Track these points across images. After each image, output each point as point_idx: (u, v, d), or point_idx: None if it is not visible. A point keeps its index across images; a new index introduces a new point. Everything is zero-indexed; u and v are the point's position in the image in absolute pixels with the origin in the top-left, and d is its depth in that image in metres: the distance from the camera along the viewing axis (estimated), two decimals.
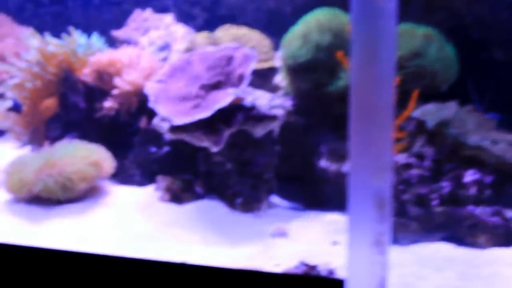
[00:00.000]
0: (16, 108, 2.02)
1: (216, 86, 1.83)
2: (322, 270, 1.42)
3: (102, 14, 2.85)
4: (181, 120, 1.65)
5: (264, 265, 1.47)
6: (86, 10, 2.88)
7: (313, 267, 1.42)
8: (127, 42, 2.14)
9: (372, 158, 0.66)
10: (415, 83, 1.69)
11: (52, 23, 2.78)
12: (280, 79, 2.06)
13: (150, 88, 1.80)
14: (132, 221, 1.76)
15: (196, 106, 1.76)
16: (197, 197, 1.91)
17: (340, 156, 1.88)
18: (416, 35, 1.77)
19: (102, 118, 2.04)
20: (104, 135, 2.05)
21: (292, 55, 1.84)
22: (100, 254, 1.50)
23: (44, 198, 1.86)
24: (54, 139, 2.05)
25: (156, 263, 1.47)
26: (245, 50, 1.85)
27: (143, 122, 1.99)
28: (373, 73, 0.63)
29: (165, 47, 2.08)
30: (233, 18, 2.70)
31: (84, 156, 1.85)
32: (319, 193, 2.00)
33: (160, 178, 1.97)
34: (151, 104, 1.76)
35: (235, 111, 1.71)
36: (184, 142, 1.90)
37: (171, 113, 1.71)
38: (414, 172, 1.59)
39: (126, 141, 2.05)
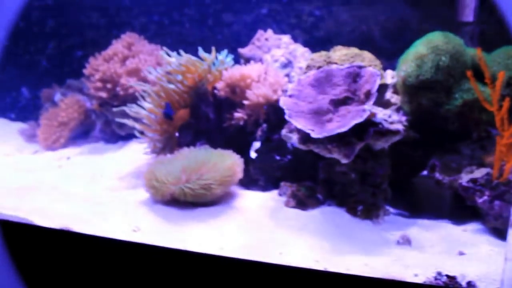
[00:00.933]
0: (167, 114, 2.21)
1: (343, 101, 1.98)
2: (461, 282, 1.53)
3: (214, 34, 3.08)
4: (320, 134, 1.80)
5: (403, 275, 1.58)
6: (200, 31, 3.12)
7: (453, 278, 1.53)
8: (252, 59, 2.32)
9: None
10: None
11: (171, 42, 3.03)
12: (391, 95, 2.20)
13: (284, 102, 1.96)
14: (264, 225, 1.91)
15: (329, 121, 1.91)
16: (319, 203, 2.06)
17: (452, 169, 2.00)
18: None
19: (229, 127, 2.23)
20: (230, 143, 2.23)
21: (413, 74, 1.97)
22: (238, 259, 1.67)
23: (181, 201, 2.05)
24: (185, 145, 2.25)
25: (295, 270, 1.62)
26: (370, 68, 2.00)
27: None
28: None
29: (287, 64, 2.26)
30: (329, 40, 2.88)
31: (219, 161, 2.03)
32: (430, 203, 2.14)
33: (283, 184, 2.14)
34: (287, 117, 1.92)
35: (367, 126, 1.86)
36: (307, 152, 2.08)
37: (307, 126, 1.87)
38: None
39: (249, 149, 2.23)
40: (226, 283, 1.66)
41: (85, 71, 2.85)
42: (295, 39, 2.77)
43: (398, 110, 2.12)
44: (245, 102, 2.14)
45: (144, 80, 2.74)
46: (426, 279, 1.54)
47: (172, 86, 2.21)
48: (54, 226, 1.94)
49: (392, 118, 2.00)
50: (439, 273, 1.54)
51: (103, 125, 2.94)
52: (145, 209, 2.07)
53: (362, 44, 2.66)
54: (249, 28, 3.09)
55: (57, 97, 3.14)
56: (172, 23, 3.23)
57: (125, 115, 2.75)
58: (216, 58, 2.27)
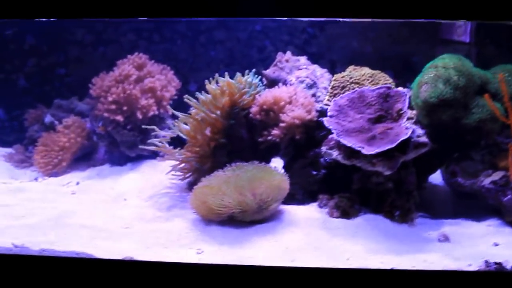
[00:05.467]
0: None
1: (378, 120, 2.22)
2: (506, 266, 1.83)
3: (207, 51, 3.15)
4: (373, 150, 2.01)
5: (459, 265, 1.85)
6: (192, 49, 3.17)
7: (500, 264, 1.83)
8: (277, 80, 2.46)
9: None
10: None
11: (162, 59, 3.04)
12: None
13: (329, 123, 2.15)
14: (320, 236, 2.07)
15: (372, 138, 2.13)
16: (358, 212, 2.28)
17: (470, 173, 2.32)
18: None
19: (262, 144, 2.36)
20: (263, 161, 2.37)
21: (435, 94, 2.24)
22: (315, 268, 1.84)
23: (237, 220, 2.16)
24: (220, 165, 2.34)
25: (368, 271, 1.83)
26: (398, 88, 2.25)
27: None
28: None
29: (312, 85, 2.43)
30: (321, 56, 3.11)
31: (269, 178, 2.16)
32: (443, 204, 2.45)
33: (322, 196, 2.33)
34: (335, 137, 2.11)
35: (408, 141, 2.11)
36: (339, 166, 2.30)
37: (356, 144, 2.07)
38: None
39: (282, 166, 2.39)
40: None
41: (92, 92, 2.79)
42: None
43: (415, 123, 2.39)
44: (281, 124, 2.29)
45: (160, 100, 2.78)
46: (479, 267, 1.82)
47: (212, 115, 2.30)
48: (116, 257, 1.95)
49: (417, 132, 2.27)
50: (487, 261, 1.81)
51: (108, 146, 2.90)
52: (200, 231, 2.14)
53: (353, 59, 2.93)
54: (243, 44, 3.22)
55: (48, 118, 3.03)
56: (163, 40, 3.25)
57: (136, 136, 2.78)
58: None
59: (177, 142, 2.37)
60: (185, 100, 2.37)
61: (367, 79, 2.45)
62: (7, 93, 3.35)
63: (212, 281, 1.85)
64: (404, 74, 2.76)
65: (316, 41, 3.14)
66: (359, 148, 2.06)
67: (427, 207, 2.40)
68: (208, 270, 1.89)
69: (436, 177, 2.57)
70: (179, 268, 1.89)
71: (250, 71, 2.48)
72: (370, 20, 2.87)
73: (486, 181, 2.20)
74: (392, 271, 1.85)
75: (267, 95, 2.33)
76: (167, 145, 2.48)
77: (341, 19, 2.80)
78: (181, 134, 2.39)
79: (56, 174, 2.87)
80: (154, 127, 2.51)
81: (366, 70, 2.51)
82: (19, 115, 3.30)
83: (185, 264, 1.91)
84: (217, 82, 2.40)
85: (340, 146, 2.18)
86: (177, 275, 1.87)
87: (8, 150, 3.14)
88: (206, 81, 2.38)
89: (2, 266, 1.93)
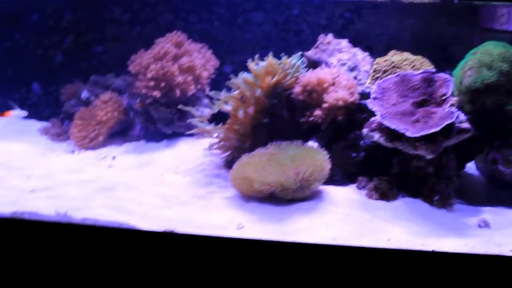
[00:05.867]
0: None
1: (421, 104, 2.21)
2: None
3: (244, 33, 3.15)
4: (417, 133, 2.02)
5: (502, 251, 1.86)
6: (229, 29, 3.18)
7: None
8: (319, 62, 2.47)
9: None
10: None
11: (198, 40, 3.05)
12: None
13: (373, 105, 2.16)
14: (360, 216, 2.08)
15: (416, 121, 2.13)
16: (397, 195, 2.29)
17: (510, 161, 2.32)
18: None
19: (303, 125, 2.37)
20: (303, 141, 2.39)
21: (480, 79, 2.24)
22: (356, 246, 1.85)
23: (278, 197, 2.18)
24: (260, 144, 2.36)
25: (408, 252, 1.84)
26: (442, 74, 2.25)
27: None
28: None
29: (354, 68, 2.44)
30: (359, 41, 3.09)
31: (312, 157, 2.17)
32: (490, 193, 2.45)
33: (361, 178, 2.34)
34: (379, 119, 2.12)
35: (452, 126, 2.10)
36: (378, 149, 2.30)
37: (400, 126, 2.08)
38: None
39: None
40: (345, 271, 1.84)
41: (131, 69, 2.82)
42: None
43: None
44: (324, 105, 2.30)
45: (198, 79, 2.80)
46: None
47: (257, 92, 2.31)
48: (157, 229, 1.97)
49: (460, 118, 2.27)
50: None
51: (144, 123, 2.93)
52: (240, 207, 2.16)
53: (390, 46, 2.93)
54: (280, 28, 3.22)
55: (85, 94, 3.07)
56: (200, 21, 3.27)
57: (174, 113, 2.80)
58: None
59: (218, 118, 2.38)
60: (230, 80, 2.38)
61: (408, 64, 2.44)
62: (44, 68, 3.39)
63: (253, 256, 1.87)
64: (441, 64, 2.74)
65: (353, 26, 3.14)
66: (403, 131, 2.06)
67: (463, 194, 2.40)
68: (249, 244, 1.91)
69: (470, 166, 2.57)
70: (220, 241, 1.92)
71: (286, 54, 2.49)
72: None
73: None
74: (433, 253, 1.86)
75: (311, 76, 2.34)
76: (207, 124, 2.49)
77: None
78: (223, 109, 2.40)
79: (92, 148, 2.91)
80: (192, 108, 2.52)
81: (408, 55, 2.51)
82: (55, 91, 3.35)
83: (227, 238, 1.94)
84: (256, 64, 2.41)
85: (382, 129, 2.19)
86: (218, 248, 1.89)
87: (44, 124, 3.18)
88: (250, 60, 2.39)
89: (46, 233, 1.97)
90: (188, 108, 2.52)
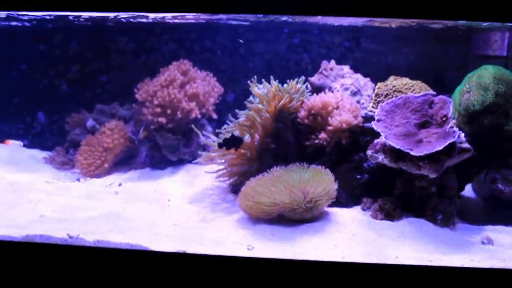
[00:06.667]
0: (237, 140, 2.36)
1: (423, 125, 2.29)
2: None
3: (246, 62, 3.25)
4: (422, 152, 2.08)
5: (507, 265, 1.90)
6: (232, 59, 3.27)
7: None
8: (322, 87, 2.55)
9: None
10: None
11: (201, 69, 3.14)
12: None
13: (377, 127, 2.23)
14: (367, 235, 2.12)
15: (419, 141, 2.21)
16: (401, 215, 2.34)
17: (510, 180, 2.38)
18: None
19: (308, 148, 2.44)
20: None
21: (478, 100, 2.33)
22: (368, 263, 1.88)
23: (286, 218, 2.22)
24: (266, 168, 2.41)
25: (417, 268, 1.88)
26: (442, 96, 2.34)
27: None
28: None
29: (356, 92, 2.53)
30: (357, 69, 3.19)
31: (318, 178, 2.22)
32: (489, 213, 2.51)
33: (365, 200, 2.39)
34: (383, 139, 2.19)
35: (453, 145, 2.18)
36: (382, 170, 2.36)
37: (404, 146, 2.15)
38: None
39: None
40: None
41: (138, 97, 2.88)
42: None
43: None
44: (329, 128, 2.37)
45: (203, 105, 2.87)
46: None
47: (258, 119, 2.38)
48: (169, 250, 1.99)
49: (461, 138, 2.34)
50: None
51: (149, 150, 2.98)
52: (250, 229, 2.20)
53: (388, 73, 3.03)
54: (281, 57, 3.32)
55: (90, 122, 3.12)
56: (203, 50, 3.36)
57: (179, 139, 2.85)
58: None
59: (225, 144, 2.42)
60: (246, 103, 2.45)
61: (408, 88, 2.54)
62: (49, 98, 3.44)
63: (264, 275, 1.89)
64: (436, 90, 2.85)
65: (352, 55, 3.25)
66: (407, 150, 2.13)
67: (463, 215, 2.45)
68: (260, 264, 1.94)
69: (466, 188, 2.63)
70: (231, 261, 1.94)
71: (286, 82, 2.57)
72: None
73: None
74: (441, 268, 1.90)
75: (315, 99, 2.41)
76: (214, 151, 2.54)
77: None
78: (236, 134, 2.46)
79: (98, 176, 2.94)
80: (199, 131, 2.58)
81: (407, 80, 2.60)
82: (59, 120, 3.39)
83: (238, 257, 1.96)
84: (256, 86, 2.50)
85: (386, 150, 2.26)
86: (229, 268, 1.91)
87: (48, 153, 3.21)
88: (256, 86, 2.46)
89: (58, 256, 1.99)
90: (196, 131, 2.58)
